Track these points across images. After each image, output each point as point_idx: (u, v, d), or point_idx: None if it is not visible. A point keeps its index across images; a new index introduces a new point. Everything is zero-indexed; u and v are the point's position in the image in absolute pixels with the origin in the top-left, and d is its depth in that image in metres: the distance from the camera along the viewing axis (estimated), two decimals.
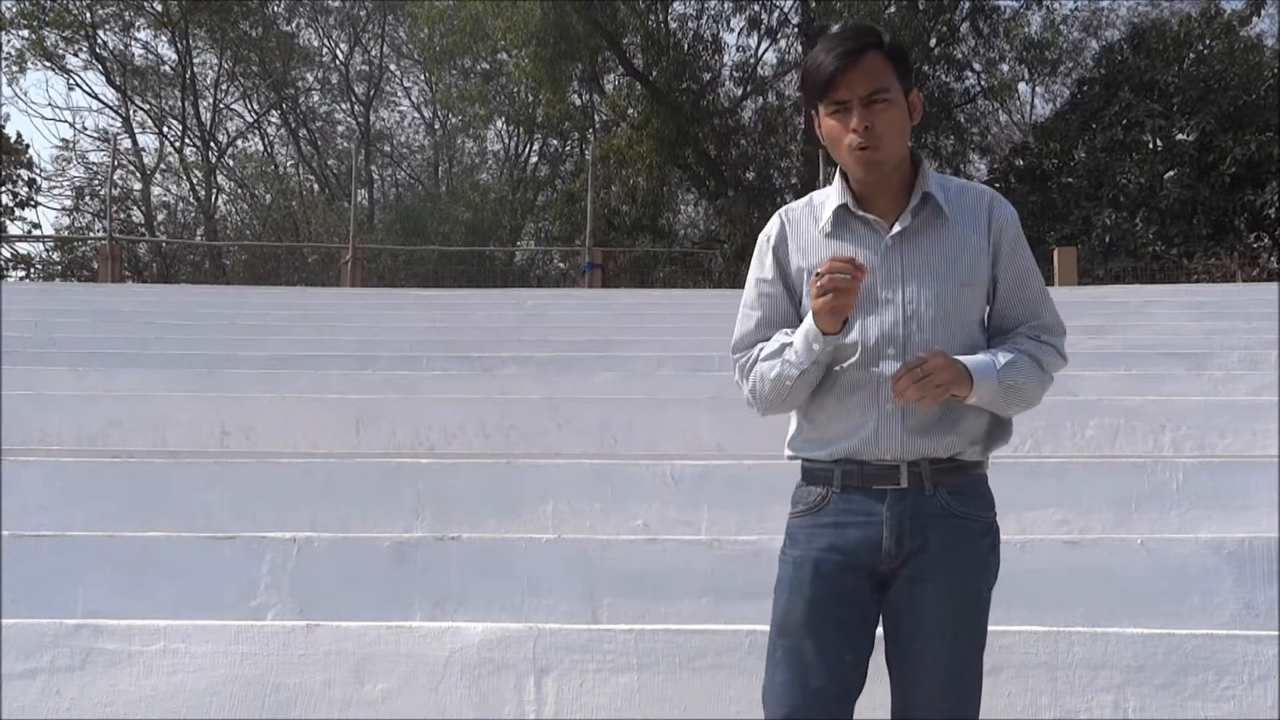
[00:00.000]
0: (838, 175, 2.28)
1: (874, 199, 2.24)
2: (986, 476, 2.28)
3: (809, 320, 2.15)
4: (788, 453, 2.35)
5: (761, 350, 2.29)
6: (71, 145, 28.28)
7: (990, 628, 2.30)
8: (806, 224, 2.30)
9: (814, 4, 23.44)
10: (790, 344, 2.21)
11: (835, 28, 2.25)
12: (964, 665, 2.19)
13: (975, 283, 2.22)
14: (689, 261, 22.33)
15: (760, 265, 2.33)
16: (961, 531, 2.18)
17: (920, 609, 2.17)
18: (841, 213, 2.25)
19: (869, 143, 2.14)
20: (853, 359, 2.20)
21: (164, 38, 27.85)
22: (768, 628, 2.24)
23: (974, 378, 2.12)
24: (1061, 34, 25.70)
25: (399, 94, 32.14)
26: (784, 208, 2.38)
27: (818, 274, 2.08)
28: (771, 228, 2.35)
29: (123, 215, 26.76)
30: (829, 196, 2.29)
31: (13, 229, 24.39)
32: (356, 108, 31.11)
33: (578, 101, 25.86)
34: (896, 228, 2.21)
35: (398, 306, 11.24)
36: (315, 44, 30.40)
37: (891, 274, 2.20)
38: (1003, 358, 2.17)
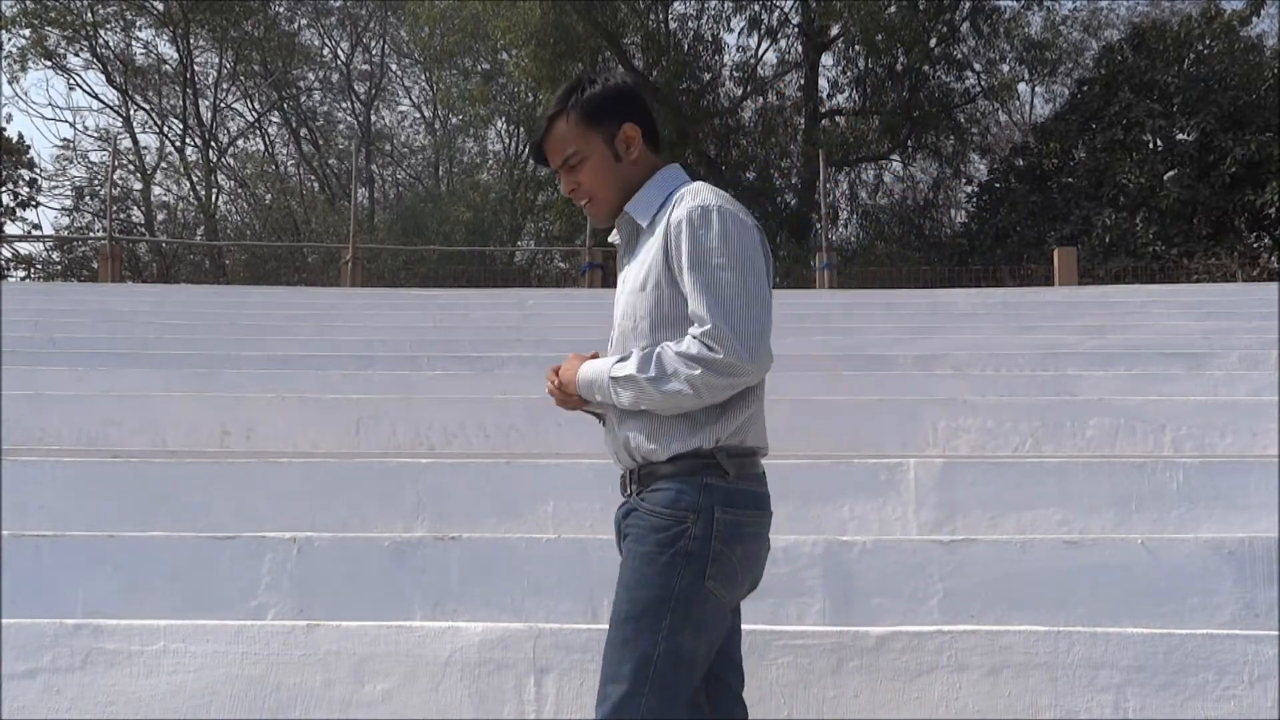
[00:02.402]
0: None
1: None
2: (684, 475, 2.23)
3: None
4: None
5: None
6: (72, 145, 28.33)
7: (990, 627, 2.29)
8: None
9: (814, 4, 23.44)
10: None
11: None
12: (617, 658, 2.19)
13: (654, 287, 2.28)
14: None
15: None
16: (639, 523, 2.27)
17: None
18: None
19: (580, 200, 2.40)
20: None
21: (165, 37, 27.88)
22: (767, 627, 2.25)
23: (579, 384, 2.33)
24: (1061, 34, 25.71)
25: (400, 94, 32.18)
26: None
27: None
28: None
29: (123, 215, 26.78)
30: None
31: (13, 229, 24.42)
32: (357, 107, 31.16)
33: None
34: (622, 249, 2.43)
35: (398, 306, 11.24)
36: (316, 44, 30.46)
37: (619, 289, 2.43)
38: (620, 357, 2.29)
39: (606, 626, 2.27)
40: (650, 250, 2.30)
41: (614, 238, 2.46)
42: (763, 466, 2.36)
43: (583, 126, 2.34)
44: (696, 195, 2.29)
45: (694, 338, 2.18)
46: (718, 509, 2.22)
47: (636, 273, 2.33)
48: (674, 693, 2.16)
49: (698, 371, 2.16)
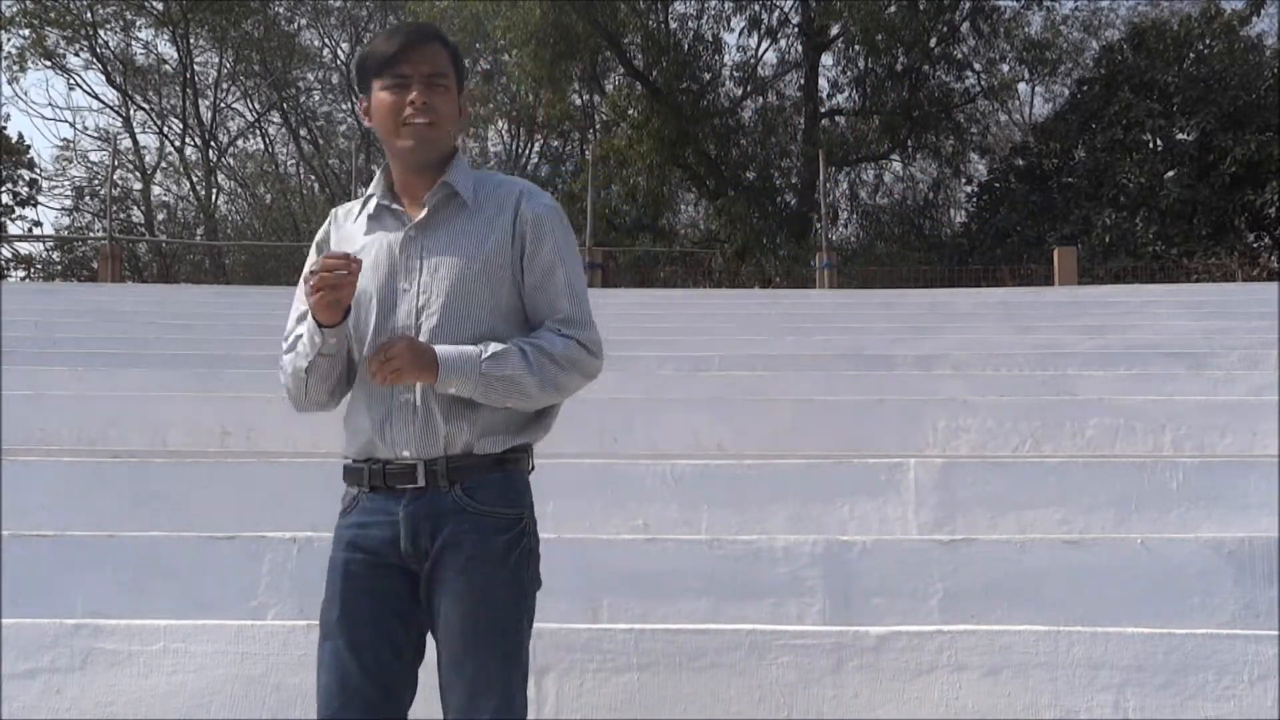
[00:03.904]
0: (380, 172, 2.31)
1: (411, 191, 2.27)
2: (517, 471, 2.25)
3: (310, 315, 2.19)
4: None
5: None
6: (72, 145, 28.34)
7: (990, 627, 2.29)
8: (350, 220, 2.34)
9: (814, 4, 23.44)
10: (298, 334, 2.27)
11: (399, 23, 2.38)
12: (486, 668, 2.12)
13: (494, 274, 2.21)
14: (689, 261, 22.34)
15: (309, 262, 2.31)
16: (476, 527, 2.16)
17: (443, 609, 2.15)
18: (376, 206, 2.28)
19: (426, 116, 2.18)
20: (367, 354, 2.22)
21: (165, 37, 27.88)
22: (767, 627, 2.24)
23: (441, 367, 2.11)
24: (1061, 34, 25.71)
25: None
26: (336, 207, 2.42)
27: (312, 270, 2.12)
28: (323, 228, 2.40)
29: (123, 215, 26.78)
30: (369, 190, 2.34)
31: (13, 229, 24.42)
32: (358, 107, 31.11)
33: (578, 101, 25.87)
34: (418, 217, 2.24)
35: None
36: (316, 44, 30.46)
37: (410, 265, 2.22)
38: (493, 349, 2.15)
39: (607, 626, 2.26)
40: (488, 235, 2.22)
41: (379, 192, 2.28)
42: None
43: (453, 66, 2.25)
44: (540, 193, 2.30)
45: (577, 342, 2.22)
46: (532, 503, 2.30)
47: (465, 251, 2.20)
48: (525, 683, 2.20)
49: (575, 376, 2.23)
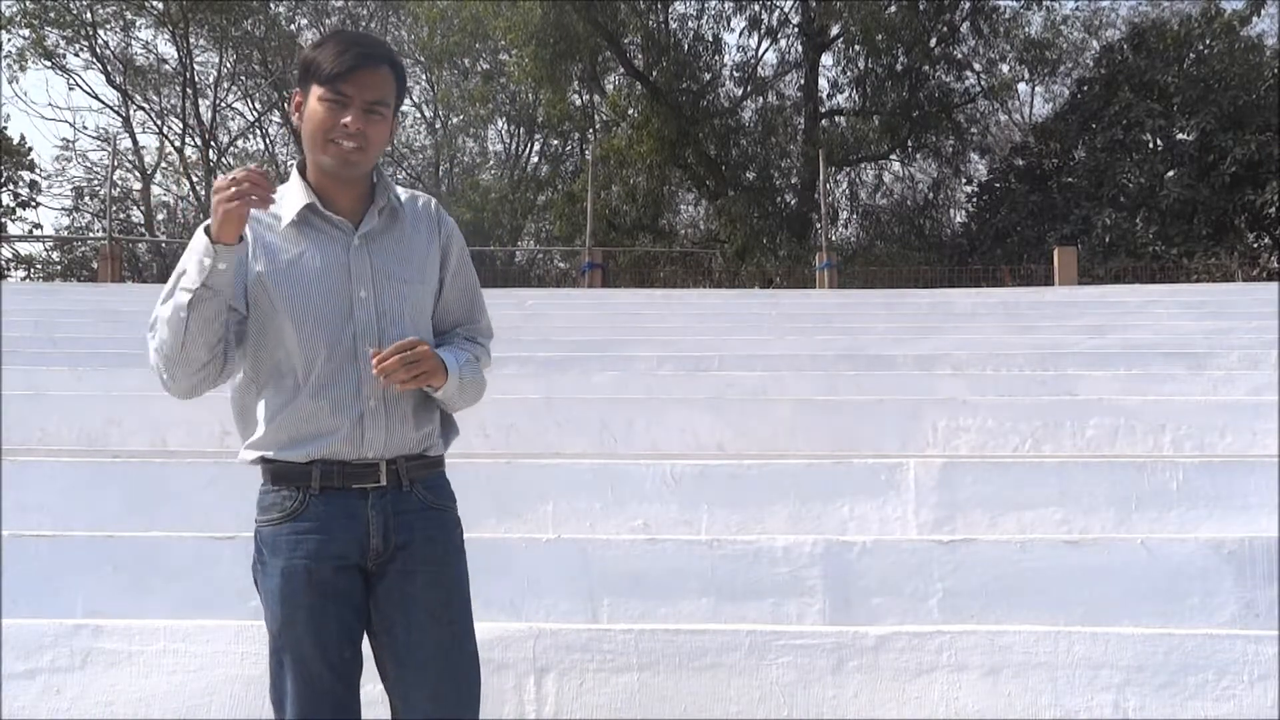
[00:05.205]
0: (295, 174, 2.27)
1: (336, 199, 2.25)
2: (444, 472, 2.38)
3: (200, 237, 2.08)
4: (249, 455, 2.27)
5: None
6: (72, 145, 28.35)
7: (990, 628, 2.29)
8: (264, 224, 2.24)
9: (814, 4, 23.45)
10: (183, 272, 2.13)
11: (354, 33, 2.37)
12: (462, 651, 2.26)
13: (429, 283, 2.31)
14: (689, 261, 22.33)
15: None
16: (439, 523, 2.29)
17: (411, 602, 2.22)
18: (306, 212, 2.23)
19: (357, 142, 2.16)
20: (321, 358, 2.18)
21: (165, 37, 27.89)
22: (767, 627, 2.24)
23: (449, 371, 2.21)
24: (1062, 34, 25.72)
25: None
26: None
27: (234, 179, 2.01)
28: None
29: (123, 215, 26.78)
30: (287, 195, 2.25)
31: (13, 229, 24.42)
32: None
33: (578, 101, 25.86)
34: (363, 228, 2.24)
35: None
36: None
37: (363, 273, 2.22)
38: (461, 355, 2.28)
39: (607, 626, 2.27)
40: (422, 246, 2.30)
41: (311, 199, 2.21)
42: None
43: (395, 93, 2.23)
44: (440, 206, 2.39)
45: (486, 350, 2.41)
46: None
47: (409, 261, 2.26)
48: None
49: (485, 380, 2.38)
